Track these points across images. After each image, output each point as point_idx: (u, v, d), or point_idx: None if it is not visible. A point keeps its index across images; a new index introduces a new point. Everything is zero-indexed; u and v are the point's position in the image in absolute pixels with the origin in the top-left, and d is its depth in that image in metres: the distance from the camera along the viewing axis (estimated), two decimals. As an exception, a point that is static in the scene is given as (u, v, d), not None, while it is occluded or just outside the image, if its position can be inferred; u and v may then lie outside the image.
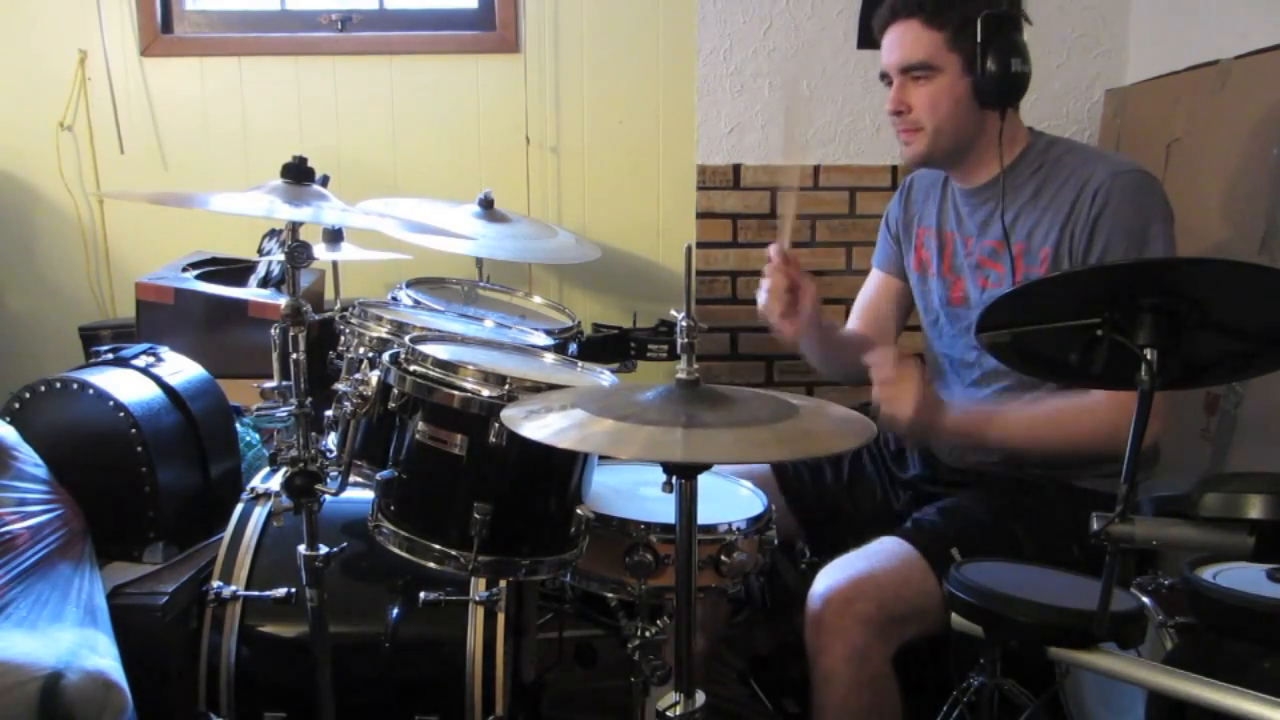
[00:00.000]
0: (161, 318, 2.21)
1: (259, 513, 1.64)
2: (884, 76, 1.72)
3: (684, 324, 1.13)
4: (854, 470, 1.91)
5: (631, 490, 1.61)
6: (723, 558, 1.45)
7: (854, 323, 2.03)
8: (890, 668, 1.52)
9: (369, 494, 1.42)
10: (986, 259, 1.75)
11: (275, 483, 1.65)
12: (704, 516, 1.38)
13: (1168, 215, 1.60)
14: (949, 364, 1.85)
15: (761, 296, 1.74)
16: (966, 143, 1.70)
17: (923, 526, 1.63)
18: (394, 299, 1.98)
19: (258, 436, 2.04)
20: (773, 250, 1.71)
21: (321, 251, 1.96)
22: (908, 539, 1.59)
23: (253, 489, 1.69)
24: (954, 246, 1.81)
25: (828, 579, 1.55)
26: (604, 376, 1.54)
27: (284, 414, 1.39)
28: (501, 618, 1.53)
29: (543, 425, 1.09)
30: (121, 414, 1.63)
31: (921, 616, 1.52)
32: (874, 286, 2.02)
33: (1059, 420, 1.61)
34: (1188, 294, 1.04)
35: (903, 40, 1.66)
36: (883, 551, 1.58)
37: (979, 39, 1.60)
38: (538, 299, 2.30)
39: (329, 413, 1.41)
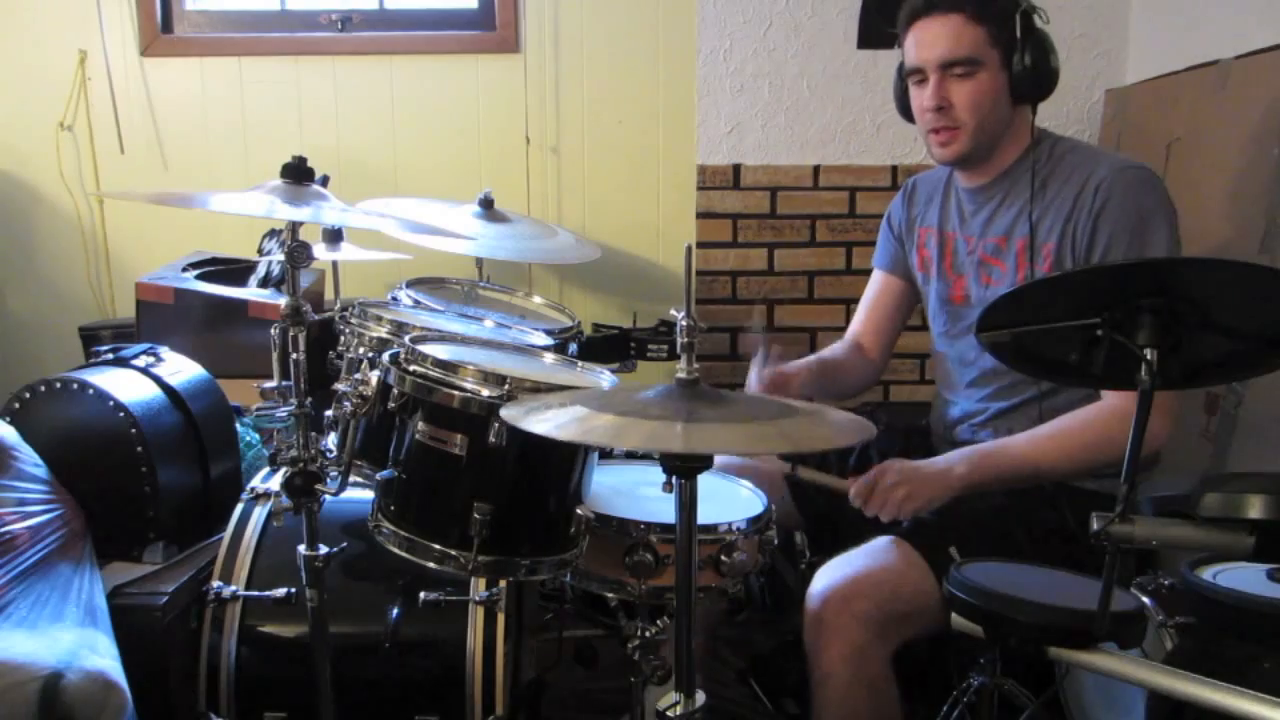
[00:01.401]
0: (161, 318, 2.21)
1: (259, 513, 1.64)
2: (915, 73, 1.68)
3: (684, 324, 1.13)
4: (860, 462, 1.91)
5: (631, 490, 1.61)
6: (723, 558, 1.45)
7: (858, 323, 2.04)
8: (889, 667, 1.52)
9: (369, 494, 1.42)
10: (990, 256, 1.75)
11: (275, 483, 1.65)
12: (704, 516, 1.38)
13: (1170, 212, 1.60)
14: (952, 363, 1.85)
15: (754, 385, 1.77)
16: (997, 140, 1.70)
17: (921, 525, 1.63)
18: (394, 299, 1.98)
19: (258, 436, 2.04)
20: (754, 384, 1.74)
21: (321, 251, 1.96)
22: (906, 538, 1.59)
23: (253, 489, 1.68)
24: (955, 245, 1.81)
25: (826, 578, 1.55)
26: (604, 376, 1.54)
27: (284, 414, 1.39)
28: (501, 618, 1.53)
29: (543, 420, 1.09)
30: (121, 414, 1.63)
31: (920, 615, 1.52)
32: (876, 286, 2.02)
33: (1063, 438, 1.60)
34: (1188, 294, 1.04)
35: (945, 35, 1.62)
36: (881, 550, 1.58)
37: (1018, 34, 1.60)
38: (538, 299, 2.30)
39: (329, 413, 1.41)
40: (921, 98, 1.68)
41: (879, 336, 2.01)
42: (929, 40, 1.64)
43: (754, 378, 1.77)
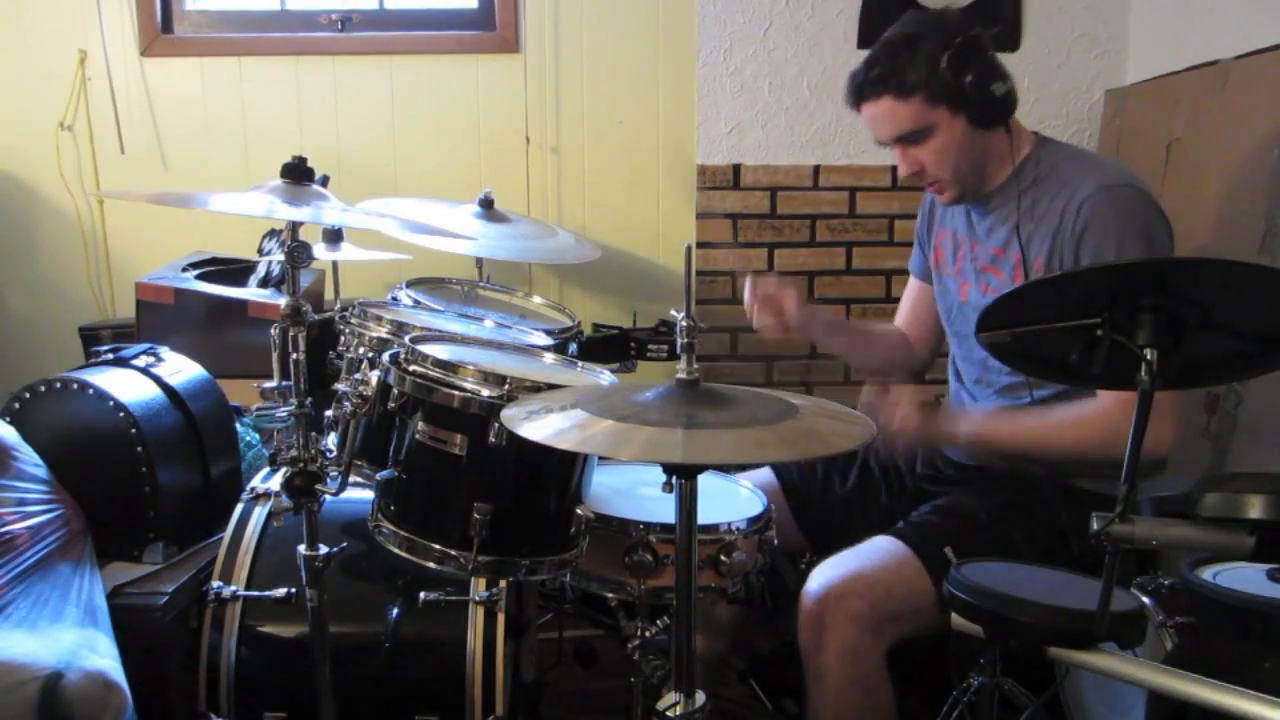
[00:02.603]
0: (161, 318, 2.21)
1: (259, 513, 1.64)
2: (881, 143, 1.72)
3: (684, 324, 1.13)
4: (862, 476, 1.91)
5: (631, 490, 1.61)
6: (722, 558, 1.45)
7: (899, 323, 2.06)
8: (883, 665, 1.53)
9: (369, 494, 1.42)
10: (989, 265, 1.75)
11: (275, 483, 1.65)
12: (704, 516, 1.38)
13: (1149, 230, 1.57)
14: (961, 363, 1.86)
15: (755, 319, 1.81)
16: (984, 167, 1.71)
17: (916, 525, 1.64)
18: (394, 299, 1.98)
19: (258, 436, 2.04)
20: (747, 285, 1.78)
21: (321, 251, 1.96)
22: (901, 537, 1.60)
23: (253, 489, 1.68)
24: (964, 250, 1.82)
25: (820, 577, 1.55)
26: (604, 376, 1.54)
27: (284, 414, 1.39)
28: (501, 618, 1.53)
29: (543, 425, 1.09)
30: (121, 414, 1.63)
31: (914, 615, 1.53)
32: (912, 294, 2.05)
33: (1056, 428, 1.61)
34: (1188, 294, 1.04)
35: (884, 118, 1.65)
36: (875, 550, 1.59)
37: (952, 78, 1.58)
38: (538, 299, 2.30)
39: (329, 413, 1.41)
40: (897, 164, 1.72)
41: (923, 337, 2.03)
42: (874, 122, 1.68)
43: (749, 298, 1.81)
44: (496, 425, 1.28)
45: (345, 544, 1.46)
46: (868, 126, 1.71)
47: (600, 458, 1.47)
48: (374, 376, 1.37)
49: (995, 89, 1.60)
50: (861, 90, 1.66)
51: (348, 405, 1.35)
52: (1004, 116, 1.65)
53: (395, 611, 1.53)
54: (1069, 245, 1.61)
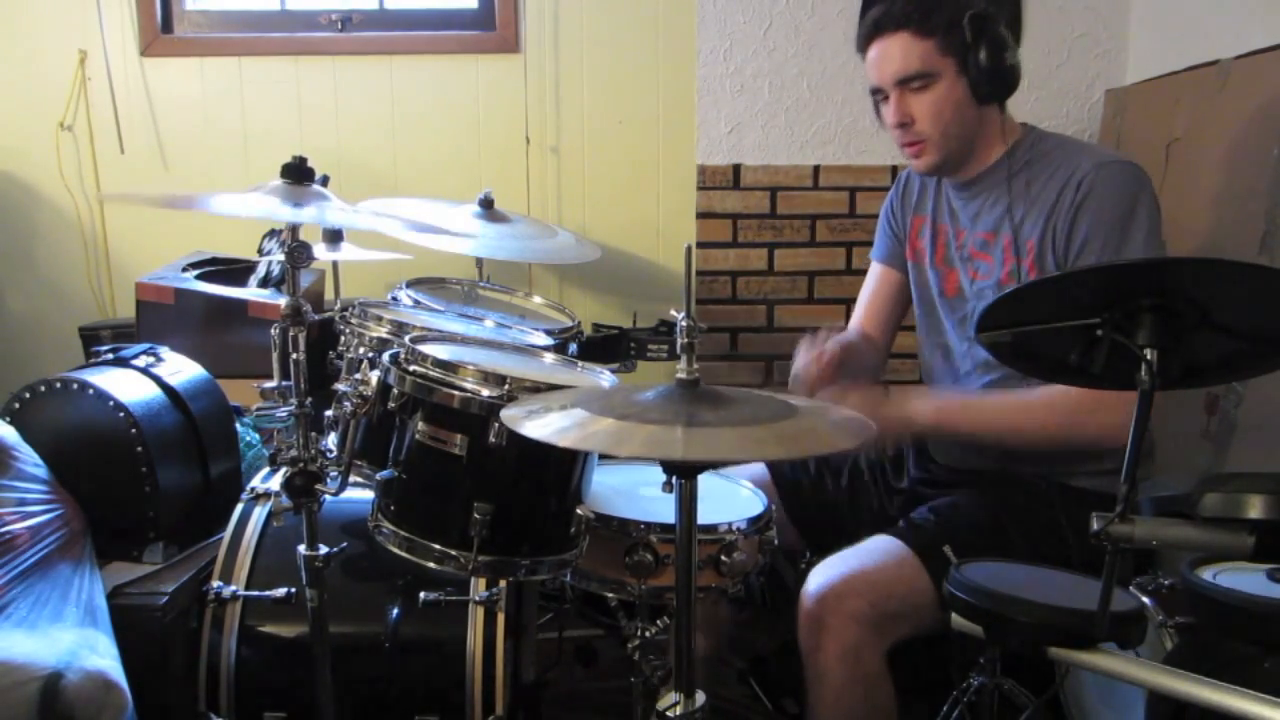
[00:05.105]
0: (161, 318, 2.21)
1: (259, 513, 1.64)
2: (877, 92, 1.72)
3: (684, 324, 1.13)
4: (853, 477, 1.91)
5: (631, 490, 1.61)
6: (723, 558, 1.45)
7: (858, 317, 2.04)
8: (884, 665, 1.53)
9: (369, 494, 1.42)
10: (977, 251, 1.75)
11: (275, 483, 1.66)
12: (704, 516, 1.38)
13: (1151, 207, 1.60)
14: (942, 354, 1.85)
15: (798, 376, 1.75)
16: (970, 142, 1.71)
17: (915, 525, 1.64)
18: (394, 299, 1.98)
19: (258, 436, 2.04)
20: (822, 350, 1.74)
21: (321, 251, 1.96)
22: (900, 537, 1.60)
23: (253, 489, 1.69)
24: (946, 238, 1.82)
25: (820, 577, 1.55)
26: (604, 376, 1.54)
27: (284, 414, 1.39)
28: (501, 618, 1.54)
29: (543, 424, 1.09)
30: (121, 414, 1.63)
31: (914, 614, 1.53)
32: (875, 280, 2.03)
33: (1019, 411, 1.62)
34: (1188, 294, 1.04)
35: (895, 53, 1.64)
36: (875, 549, 1.59)
37: (969, 38, 1.60)
38: (538, 299, 2.30)
39: (329, 413, 1.41)
40: (886, 115, 1.71)
41: (883, 329, 2.01)
42: (881, 60, 1.67)
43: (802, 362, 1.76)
44: (496, 425, 1.28)
45: (345, 544, 1.46)
46: (871, 67, 1.69)
47: (600, 457, 1.47)
48: (374, 376, 1.37)
49: (1007, 57, 1.62)
50: (880, 23, 1.65)
51: (348, 405, 1.35)
52: (1003, 92, 1.66)
53: (395, 611, 1.53)
54: (1064, 221, 1.61)
